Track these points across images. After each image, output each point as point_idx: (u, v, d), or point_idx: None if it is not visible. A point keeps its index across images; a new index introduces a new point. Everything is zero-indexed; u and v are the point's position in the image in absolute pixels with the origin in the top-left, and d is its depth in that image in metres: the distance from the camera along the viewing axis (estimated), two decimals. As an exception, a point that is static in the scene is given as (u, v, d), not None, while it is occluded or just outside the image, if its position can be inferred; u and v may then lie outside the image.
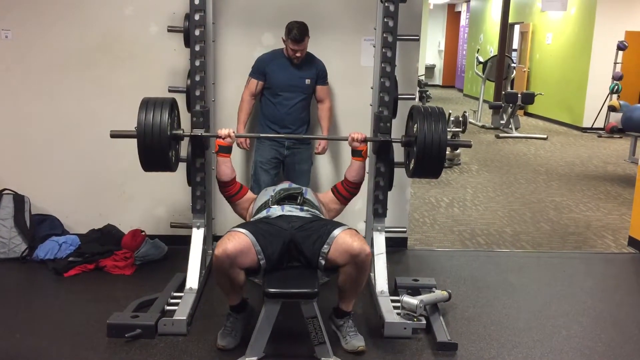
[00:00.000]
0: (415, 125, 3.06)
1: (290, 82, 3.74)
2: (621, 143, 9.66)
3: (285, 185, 3.29)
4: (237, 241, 2.66)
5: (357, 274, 2.75)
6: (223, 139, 3.18)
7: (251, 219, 3.08)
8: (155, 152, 3.04)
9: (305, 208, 3.01)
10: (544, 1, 10.45)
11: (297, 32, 3.56)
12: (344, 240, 2.71)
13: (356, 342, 2.85)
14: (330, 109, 3.92)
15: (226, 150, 3.20)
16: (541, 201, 5.97)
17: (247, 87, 3.79)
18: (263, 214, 2.99)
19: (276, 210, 2.97)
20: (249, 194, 3.29)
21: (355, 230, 2.82)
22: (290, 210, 2.97)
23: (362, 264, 2.71)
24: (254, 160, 3.90)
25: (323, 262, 2.75)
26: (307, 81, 3.78)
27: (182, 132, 3.28)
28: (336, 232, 2.75)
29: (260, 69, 3.75)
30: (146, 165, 3.11)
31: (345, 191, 3.26)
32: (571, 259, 4.44)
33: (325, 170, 4.24)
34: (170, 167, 3.21)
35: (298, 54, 3.65)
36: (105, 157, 4.13)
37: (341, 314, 2.93)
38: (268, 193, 3.19)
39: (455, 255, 4.43)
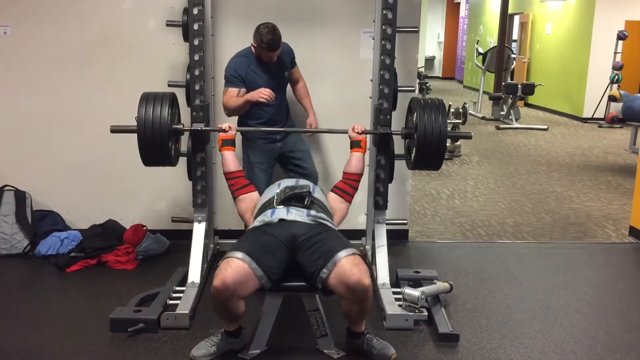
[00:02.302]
0: (415, 118, 3.06)
1: (272, 82, 3.56)
2: (622, 133, 9.65)
3: (291, 182, 3.04)
4: (236, 271, 2.48)
5: (359, 306, 2.60)
6: (226, 131, 3.16)
7: (253, 219, 2.90)
8: (156, 146, 3.04)
9: (312, 213, 2.79)
10: (543, -9, 10.43)
11: (273, 40, 3.37)
12: (344, 269, 2.52)
13: (387, 350, 2.70)
14: (305, 86, 3.83)
15: (230, 143, 3.16)
16: (542, 192, 5.97)
17: (227, 96, 3.52)
18: (267, 215, 2.77)
19: (280, 213, 2.75)
20: (255, 195, 3.07)
21: (360, 257, 2.61)
22: (295, 215, 2.75)
23: (361, 296, 2.54)
24: (248, 161, 3.70)
25: (320, 285, 2.60)
26: (287, 74, 3.68)
27: (182, 126, 3.28)
28: (339, 256, 2.55)
29: (239, 76, 3.51)
30: (146, 160, 3.11)
31: (346, 185, 3.09)
32: (572, 249, 4.44)
33: (322, 167, 4.23)
34: (171, 162, 3.21)
35: (275, 59, 3.50)
36: (106, 152, 4.13)
37: (355, 335, 2.78)
38: (273, 190, 2.97)
39: (456, 247, 4.43)
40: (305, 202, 2.83)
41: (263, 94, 3.42)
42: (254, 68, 3.55)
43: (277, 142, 3.72)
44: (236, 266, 2.49)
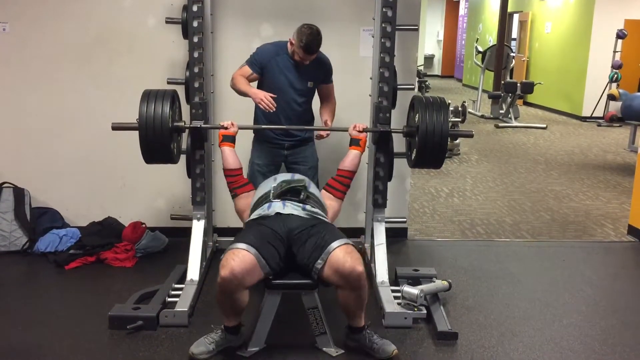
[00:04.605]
0: (417, 116, 3.06)
1: (290, 85, 3.41)
2: (620, 132, 9.66)
3: (287, 176, 3.11)
4: (242, 260, 2.53)
5: (354, 294, 2.64)
6: (226, 129, 3.17)
7: (250, 213, 2.94)
8: (157, 144, 3.04)
9: (307, 207, 2.85)
10: (543, -10, 10.42)
11: (312, 44, 3.22)
12: (337, 258, 2.59)
13: (388, 347, 2.71)
14: (334, 106, 3.61)
15: (230, 139, 3.17)
16: (541, 190, 5.97)
17: (240, 71, 3.41)
18: (264, 209, 2.84)
19: (276, 206, 2.82)
20: (253, 193, 3.10)
21: (353, 246, 2.68)
22: (291, 209, 2.81)
23: (354, 283, 2.59)
24: (251, 161, 3.64)
25: (316, 277, 2.65)
26: (310, 84, 3.47)
27: (183, 124, 3.28)
28: (332, 246, 2.62)
29: (259, 61, 3.39)
30: (148, 158, 3.10)
31: (337, 182, 3.12)
32: (571, 247, 4.44)
33: (324, 165, 4.22)
34: (172, 159, 3.21)
35: (306, 62, 3.34)
36: (105, 149, 4.12)
37: (356, 331, 2.78)
38: (269, 184, 3.01)
39: (455, 245, 4.44)
40: (301, 196, 2.89)
41: (263, 100, 3.23)
42: (280, 62, 3.38)
43: (283, 149, 3.56)
44: (242, 256, 2.55)
